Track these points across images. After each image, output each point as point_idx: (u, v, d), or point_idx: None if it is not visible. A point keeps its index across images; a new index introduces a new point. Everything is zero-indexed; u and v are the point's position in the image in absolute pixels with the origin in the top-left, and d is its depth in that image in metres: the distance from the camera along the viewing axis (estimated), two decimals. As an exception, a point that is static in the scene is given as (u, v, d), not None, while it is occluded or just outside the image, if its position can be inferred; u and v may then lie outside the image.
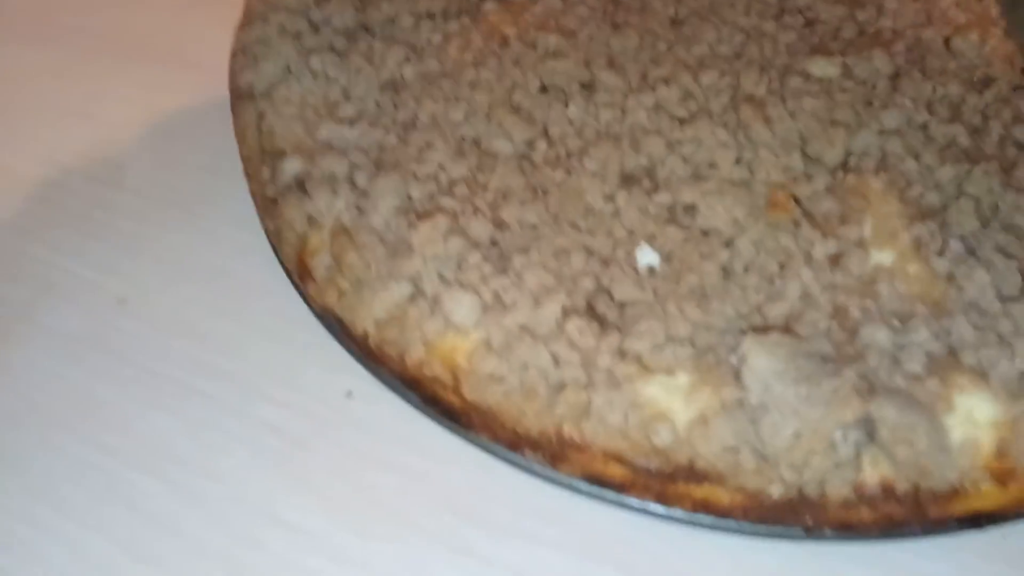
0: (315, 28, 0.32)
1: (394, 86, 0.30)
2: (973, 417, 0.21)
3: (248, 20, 0.32)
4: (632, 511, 0.23)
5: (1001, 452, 0.20)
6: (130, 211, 0.33)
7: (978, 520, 0.21)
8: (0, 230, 0.33)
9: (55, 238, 0.32)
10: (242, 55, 0.31)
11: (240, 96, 0.30)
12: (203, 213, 0.33)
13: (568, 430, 0.22)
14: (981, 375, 0.21)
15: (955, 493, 0.20)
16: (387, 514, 0.25)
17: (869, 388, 0.21)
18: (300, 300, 0.28)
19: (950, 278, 0.24)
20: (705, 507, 0.22)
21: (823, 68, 0.29)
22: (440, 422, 0.25)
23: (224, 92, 0.33)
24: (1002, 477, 0.20)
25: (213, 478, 0.26)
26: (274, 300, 0.29)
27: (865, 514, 0.21)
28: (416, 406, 0.25)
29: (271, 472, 0.26)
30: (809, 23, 0.31)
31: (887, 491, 0.20)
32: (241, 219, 0.31)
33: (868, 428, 0.20)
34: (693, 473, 0.21)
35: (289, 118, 0.29)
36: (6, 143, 0.36)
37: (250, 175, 0.29)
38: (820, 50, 0.30)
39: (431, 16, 0.32)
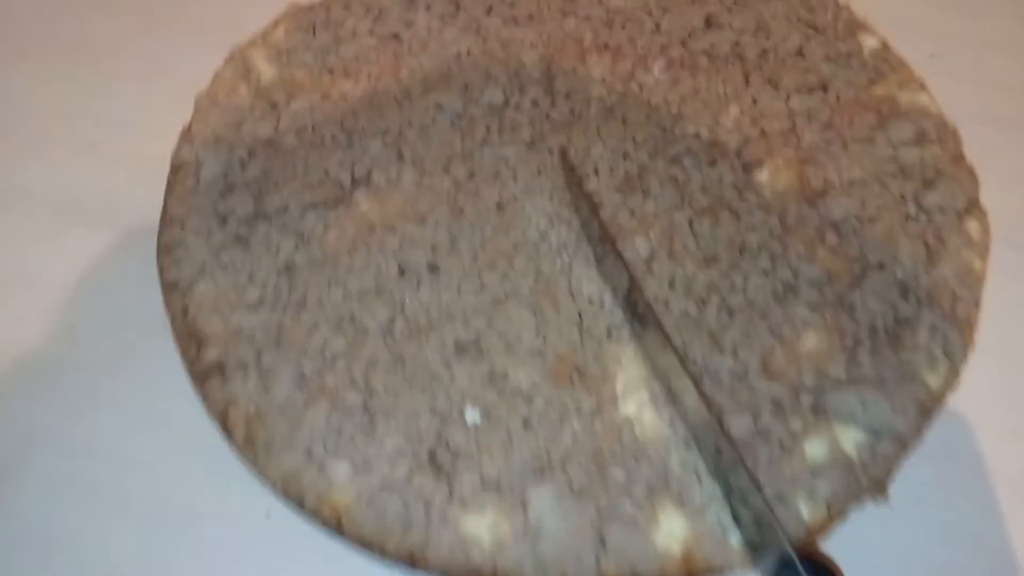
0: (222, 220, 0.41)
1: (288, 271, 0.40)
2: (672, 532, 0.33)
3: (168, 221, 0.41)
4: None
5: (687, 555, 0.32)
6: (85, 366, 0.42)
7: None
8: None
9: (27, 396, 0.42)
10: (166, 255, 0.40)
11: (167, 289, 0.39)
12: (147, 365, 0.42)
13: (415, 553, 0.33)
14: (680, 500, 0.33)
15: (660, 577, 0.32)
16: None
17: (605, 516, 0.33)
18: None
19: (671, 423, 0.35)
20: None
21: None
22: (333, 537, 0.35)
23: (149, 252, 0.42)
24: (689, 570, 0.32)
25: (173, 588, 0.36)
26: (207, 439, 0.39)
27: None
28: (314, 524, 0.36)
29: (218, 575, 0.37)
30: (594, 208, 0.41)
31: (616, 582, 0.32)
32: (175, 370, 0.41)
33: (602, 544, 0.32)
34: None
35: (208, 311, 0.38)
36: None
37: (181, 349, 0.39)
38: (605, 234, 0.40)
39: (314, 205, 0.42)
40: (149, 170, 0.46)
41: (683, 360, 0.35)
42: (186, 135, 0.44)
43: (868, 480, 0.34)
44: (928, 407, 0.35)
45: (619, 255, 0.38)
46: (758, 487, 0.32)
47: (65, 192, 0.49)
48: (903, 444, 0.34)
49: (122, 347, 0.43)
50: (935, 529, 0.37)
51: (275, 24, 0.49)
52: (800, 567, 0.30)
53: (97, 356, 0.43)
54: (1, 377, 0.42)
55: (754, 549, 0.32)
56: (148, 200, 0.44)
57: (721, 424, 0.34)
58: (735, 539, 0.33)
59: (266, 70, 0.47)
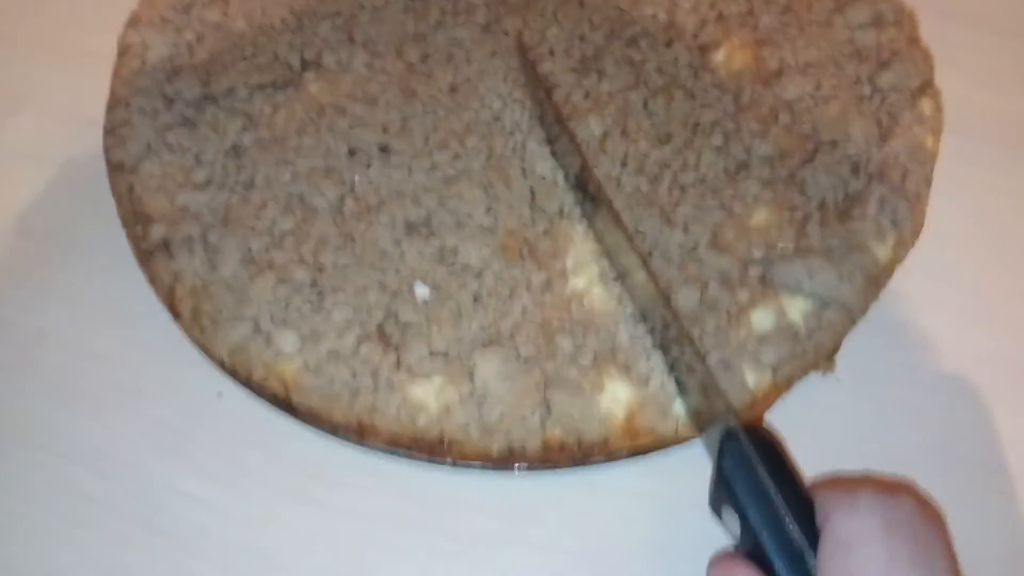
0: (169, 102, 0.41)
1: (236, 151, 0.39)
2: (616, 396, 0.33)
3: (114, 102, 0.40)
4: (413, 460, 0.34)
5: (629, 418, 0.33)
6: (38, 257, 0.42)
7: (621, 455, 0.33)
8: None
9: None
10: (110, 135, 0.39)
11: (113, 169, 0.39)
12: (96, 256, 0.41)
13: (363, 421, 0.33)
14: (626, 369, 0.33)
15: (603, 442, 0.33)
16: (253, 479, 0.36)
17: (550, 380, 0.33)
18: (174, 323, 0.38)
19: (620, 299, 0.35)
20: (457, 458, 0.33)
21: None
22: (282, 412, 0.35)
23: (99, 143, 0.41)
24: (632, 432, 0.33)
25: (126, 463, 0.36)
26: (156, 322, 0.39)
27: (555, 456, 0.33)
28: (266, 401, 0.36)
29: (167, 455, 0.37)
30: (548, 90, 0.41)
31: (561, 445, 0.33)
32: (123, 257, 0.40)
33: (547, 407, 0.32)
34: (442, 443, 0.33)
35: (153, 190, 0.38)
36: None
37: (127, 231, 0.38)
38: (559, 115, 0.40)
39: (262, 87, 0.41)
40: (96, 62, 0.45)
41: (632, 238, 0.35)
42: (133, 20, 0.43)
43: (814, 349, 0.34)
44: (875, 277, 0.35)
45: (572, 136, 0.38)
46: (702, 359, 0.32)
47: (10, 84, 0.47)
48: (849, 313, 0.35)
49: (72, 237, 0.42)
50: (877, 403, 0.38)
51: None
52: (742, 436, 0.30)
53: (47, 247, 0.42)
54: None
55: (699, 420, 0.33)
56: (95, 92, 0.43)
57: (668, 298, 0.34)
58: (679, 408, 0.33)
59: (215, -46, 0.46)
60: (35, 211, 0.43)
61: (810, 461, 0.34)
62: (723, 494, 0.30)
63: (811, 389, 0.37)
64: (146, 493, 0.36)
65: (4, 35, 0.50)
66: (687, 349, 0.32)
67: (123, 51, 0.42)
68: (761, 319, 0.35)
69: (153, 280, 0.37)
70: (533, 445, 0.33)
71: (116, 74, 0.41)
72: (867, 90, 0.40)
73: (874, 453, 0.36)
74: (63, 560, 0.35)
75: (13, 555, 0.35)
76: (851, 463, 0.35)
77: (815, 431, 0.36)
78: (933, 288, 0.40)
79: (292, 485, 0.36)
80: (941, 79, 0.42)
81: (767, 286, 0.35)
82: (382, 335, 0.34)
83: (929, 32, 0.43)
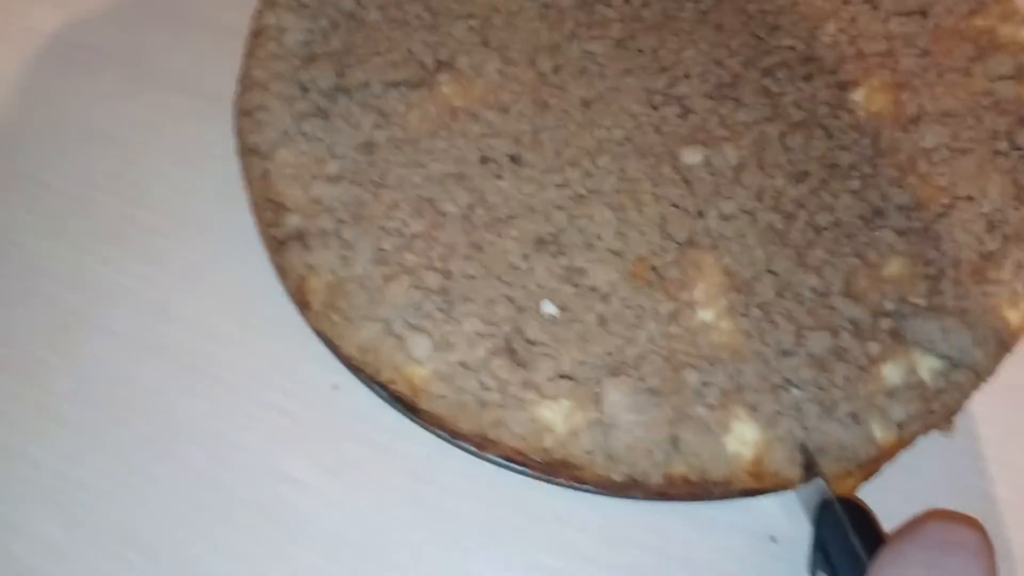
0: (304, 89, 0.41)
1: (368, 147, 0.39)
2: (744, 438, 0.33)
3: (249, 85, 0.40)
4: (530, 478, 0.35)
5: (756, 461, 0.33)
6: (156, 229, 0.42)
7: (742, 494, 0.33)
8: (54, 243, 0.42)
9: (101, 252, 0.42)
10: (246, 118, 0.39)
11: (247, 152, 0.39)
12: (215, 233, 0.42)
13: (488, 434, 0.33)
14: (753, 409, 0.33)
15: (726, 482, 0.33)
16: (363, 472, 0.37)
17: (678, 416, 0.33)
18: (298, 313, 0.38)
19: (747, 334, 0.35)
20: (575, 481, 0.34)
21: (690, 156, 0.39)
22: (403, 413, 0.36)
23: (226, 120, 0.41)
24: (757, 475, 0.33)
25: (241, 448, 0.37)
26: (277, 310, 0.39)
27: (675, 489, 0.33)
28: (385, 400, 0.36)
29: (279, 441, 0.37)
30: (684, 113, 0.40)
31: (684, 480, 0.33)
32: (247, 240, 0.41)
33: (674, 443, 0.33)
34: (566, 464, 0.33)
35: (288, 178, 0.38)
36: (42, 161, 0.44)
37: (257, 215, 0.39)
38: (688, 140, 0.40)
39: (396, 84, 0.41)
40: (223, 38, 0.45)
41: None
42: (268, 1, 0.43)
43: (941, 408, 0.34)
44: (1007, 342, 0.35)
45: None
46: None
47: (138, 55, 0.48)
48: (978, 376, 0.35)
49: (194, 213, 0.43)
50: (987, 462, 0.38)
51: None
52: (837, 507, 0.32)
53: (170, 220, 0.43)
54: (75, 233, 0.42)
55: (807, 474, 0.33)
56: (220, 68, 0.44)
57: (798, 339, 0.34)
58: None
59: (351, -60, 0.45)
60: (152, 183, 0.44)
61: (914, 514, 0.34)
62: (819, 558, 0.31)
63: (924, 442, 0.36)
64: (257, 476, 0.37)
65: (127, 2, 0.50)
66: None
67: (258, 32, 0.42)
68: (891, 373, 0.34)
69: (283, 269, 0.37)
70: (655, 478, 0.33)
71: (251, 55, 0.41)
72: (1004, 146, 0.40)
73: (976, 512, 0.36)
74: (177, 535, 0.35)
75: (130, 523, 0.36)
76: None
77: (923, 484, 0.36)
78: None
79: (400, 483, 0.37)
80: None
81: (899, 341, 0.35)
82: (511, 351, 0.35)
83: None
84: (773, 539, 0.36)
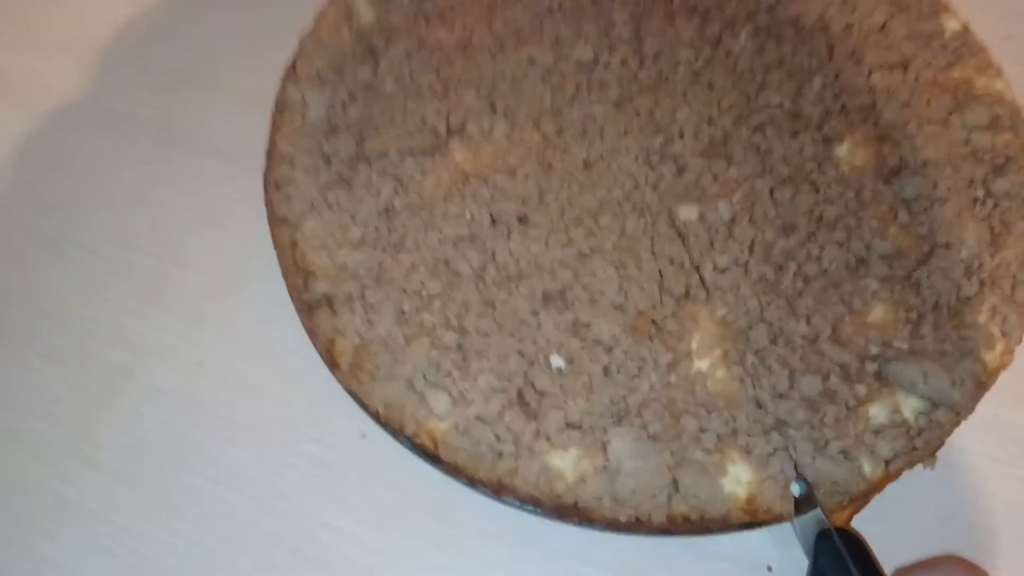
0: (327, 160, 0.44)
1: (388, 213, 0.43)
2: (738, 478, 0.36)
3: (278, 158, 0.44)
4: (543, 518, 0.38)
5: (750, 499, 0.36)
6: (192, 288, 0.46)
7: (737, 527, 0.36)
8: (95, 303, 0.45)
9: (140, 311, 0.45)
10: (276, 191, 0.43)
11: (276, 223, 0.42)
12: (249, 291, 0.45)
13: (503, 481, 0.36)
14: (747, 452, 0.36)
15: (724, 518, 0.36)
16: (390, 516, 0.40)
17: (678, 461, 0.36)
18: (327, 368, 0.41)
19: (742, 380, 0.38)
20: (585, 521, 0.37)
21: (685, 213, 0.42)
22: (426, 461, 0.39)
23: (255, 182, 0.44)
24: (751, 511, 0.36)
25: (279, 495, 0.40)
26: (307, 364, 0.42)
27: (677, 526, 0.36)
28: (408, 448, 0.39)
29: (315, 489, 0.41)
30: (679, 171, 0.43)
31: (685, 518, 0.36)
32: (279, 297, 0.43)
33: (675, 486, 0.36)
34: (576, 508, 0.36)
35: (315, 247, 0.41)
36: (78, 224, 0.48)
37: (288, 281, 0.42)
38: (684, 197, 0.43)
39: (412, 152, 0.44)
40: (247, 102, 0.48)
41: None
42: (291, 74, 0.46)
43: (924, 445, 0.37)
44: (983, 382, 0.38)
45: None
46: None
47: (166, 118, 0.51)
48: (958, 414, 0.37)
49: (227, 272, 0.46)
50: (973, 494, 0.40)
51: (374, -33, 0.51)
52: (835, 537, 0.35)
53: (204, 279, 0.46)
54: (115, 293, 0.45)
55: (799, 508, 0.36)
56: (247, 131, 0.47)
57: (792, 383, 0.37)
58: (795, 490, 0.36)
59: (366, 13, 0.49)
60: (186, 243, 0.47)
61: (903, 548, 0.37)
62: None
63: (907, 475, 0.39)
64: (297, 523, 0.40)
65: (157, 64, 0.54)
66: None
67: (284, 106, 0.45)
68: (877, 413, 0.37)
69: (313, 331, 0.40)
70: (658, 518, 0.36)
71: (278, 129, 0.45)
72: (981, 193, 0.42)
73: (959, 541, 0.39)
74: (222, 580, 0.39)
75: (179, 567, 0.39)
76: (942, 551, 0.38)
77: (909, 515, 0.39)
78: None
79: (425, 526, 0.40)
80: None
81: (883, 383, 0.38)
82: (522, 402, 0.38)
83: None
84: (769, 568, 0.38)
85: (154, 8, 0.56)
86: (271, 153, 0.44)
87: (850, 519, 0.37)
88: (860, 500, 0.37)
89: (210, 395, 0.43)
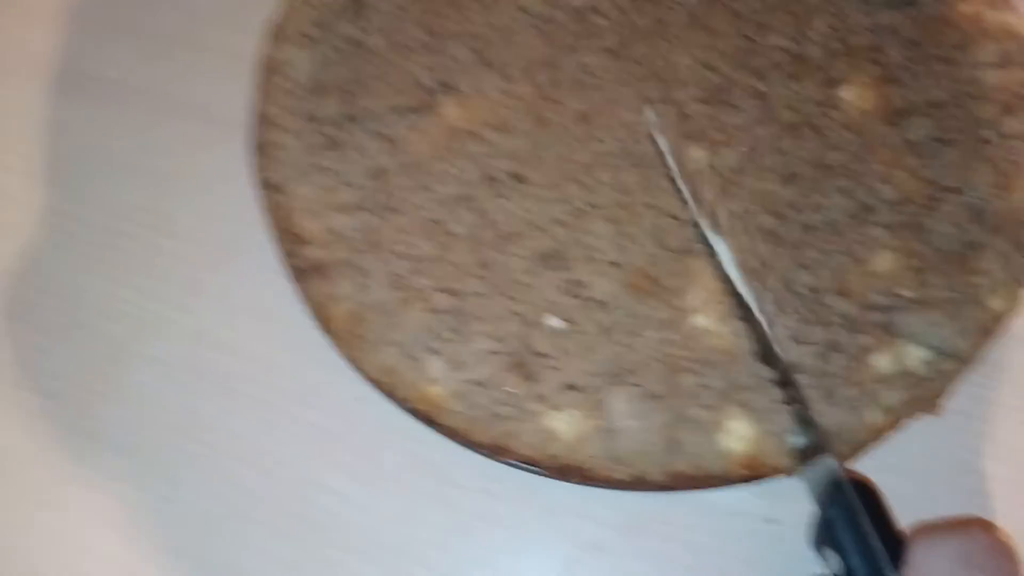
0: (314, 121, 0.43)
1: (378, 174, 0.42)
2: (739, 434, 0.36)
3: (263, 122, 0.43)
4: (543, 477, 0.38)
5: (749, 454, 0.35)
6: (186, 257, 0.45)
7: (738, 481, 0.36)
8: (91, 277, 0.45)
9: (135, 283, 0.45)
10: (263, 156, 0.42)
11: (264, 187, 0.41)
12: (242, 258, 0.44)
13: (500, 443, 0.36)
14: (745, 406, 0.36)
15: (723, 474, 0.35)
16: (391, 479, 0.40)
17: (677, 419, 0.35)
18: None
19: (740, 336, 0.38)
20: (585, 480, 0.37)
21: (696, 153, 0.41)
22: (424, 423, 0.39)
23: (241, 145, 0.44)
24: (751, 465, 0.35)
25: (279, 461, 0.40)
26: (303, 331, 0.42)
27: (677, 483, 0.36)
28: (407, 411, 0.39)
29: (314, 454, 0.41)
30: (680, 119, 0.42)
31: (684, 475, 0.35)
32: (272, 263, 0.43)
33: (674, 444, 0.35)
34: (576, 468, 0.36)
35: (305, 211, 0.41)
36: (68, 195, 0.47)
37: (279, 247, 0.41)
38: (691, 136, 0.41)
39: (402, 110, 0.43)
40: (235, 63, 0.47)
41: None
42: (276, 33, 0.45)
43: (929, 394, 0.36)
44: (989, 329, 0.37)
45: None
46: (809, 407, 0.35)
47: (153, 83, 0.50)
48: (963, 363, 0.37)
49: (220, 240, 0.45)
50: (981, 441, 0.40)
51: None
52: (847, 488, 0.33)
53: (197, 248, 0.45)
54: (109, 265, 0.45)
55: (803, 456, 0.35)
56: (234, 93, 0.46)
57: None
58: (794, 442, 0.36)
59: (350, -33, 0.47)
60: (179, 212, 0.46)
61: (912, 496, 0.36)
62: (825, 536, 0.33)
63: (916, 423, 0.39)
64: (298, 488, 0.40)
65: (142, 28, 0.52)
66: (798, 396, 0.35)
67: (268, 67, 0.44)
68: (882, 363, 0.37)
69: (306, 295, 0.40)
70: (657, 476, 0.35)
71: (263, 91, 0.44)
72: (990, 134, 0.41)
73: (974, 490, 0.38)
74: (225, 549, 0.39)
75: (184, 537, 0.39)
76: (951, 498, 0.38)
77: (919, 464, 0.39)
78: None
79: (425, 487, 0.40)
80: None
81: (888, 333, 0.37)
82: (519, 365, 0.37)
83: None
84: (774, 520, 0.38)
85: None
86: (256, 116, 0.43)
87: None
88: (860, 447, 0.37)
89: (208, 365, 0.42)
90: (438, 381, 0.37)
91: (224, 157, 0.46)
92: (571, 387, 0.37)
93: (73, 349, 0.43)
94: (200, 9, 0.52)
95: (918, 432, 0.38)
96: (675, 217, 0.40)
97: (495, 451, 0.37)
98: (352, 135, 0.43)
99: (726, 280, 0.38)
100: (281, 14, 0.46)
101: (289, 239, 0.40)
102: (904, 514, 0.35)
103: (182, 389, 0.42)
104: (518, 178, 0.41)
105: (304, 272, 0.40)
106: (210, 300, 0.44)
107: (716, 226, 0.39)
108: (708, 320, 0.38)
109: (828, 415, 0.36)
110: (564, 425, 0.36)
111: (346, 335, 0.38)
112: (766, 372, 0.37)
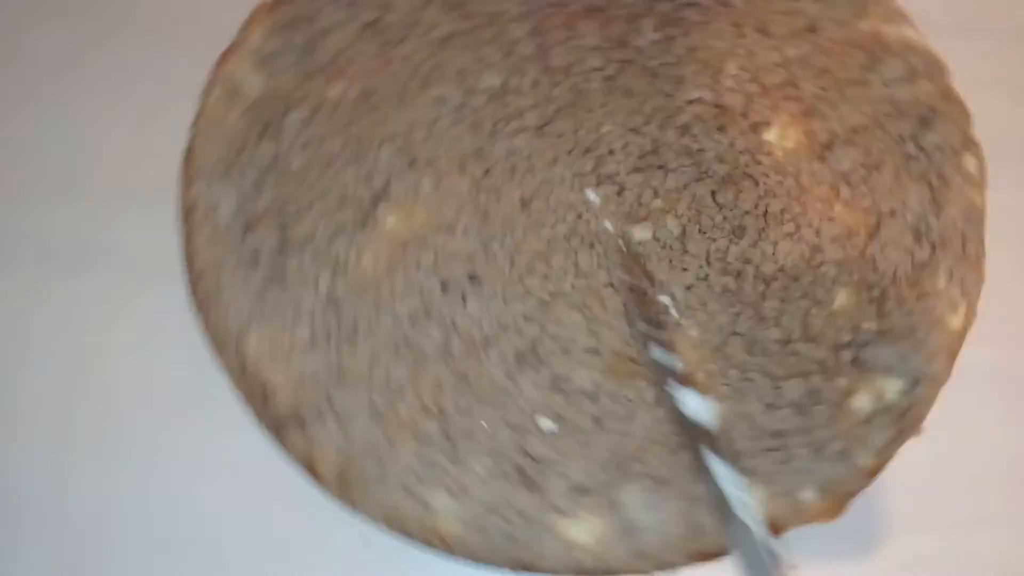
0: (253, 261, 0.41)
1: (332, 302, 0.40)
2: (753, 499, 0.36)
3: (199, 275, 0.40)
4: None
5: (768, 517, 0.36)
6: (159, 426, 0.43)
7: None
8: (45, 473, 0.42)
9: (104, 472, 0.42)
10: (207, 311, 0.40)
11: (217, 347, 0.39)
12: (215, 421, 0.42)
13: (527, 562, 0.36)
14: (752, 473, 0.36)
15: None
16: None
17: (692, 501, 0.36)
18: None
19: (729, 399, 0.38)
20: (610, 578, 0.37)
21: (639, 234, 0.41)
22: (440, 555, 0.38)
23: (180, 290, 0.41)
24: (772, 527, 0.36)
25: None
26: (290, 481, 0.40)
27: (702, 559, 0.36)
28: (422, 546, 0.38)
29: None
30: (619, 191, 0.42)
31: (707, 552, 0.36)
32: (241, 419, 0.41)
33: (695, 527, 0.36)
34: (599, 570, 0.36)
35: (266, 361, 0.39)
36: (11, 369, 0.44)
37: (247, 401, 0.39)
38: (632, 217, 0.42)
39: (341, 230, 0.42)
40: (149, 199, 0.44)
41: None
42: (189, 172, 0.43)
43: (912, 422, 0.38)
44: (955, 348, 0.39)
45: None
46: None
47: (68, 238, 0.47)
48: (938, 384, 0.38)
49: (187, 401, 0.43)
50: (957, 443, 0.42)
51: (249, 26, 0.47)
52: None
53: (155, 414, 0.43)
54: (58, 456, 0.42)
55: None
56: (156, 237, 0.43)
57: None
58: (805, 498, 0.37)
59: (251, 83, 0.45)
60: (139, 378, 0.44)
61: (911, 514, 0.38)
62: None
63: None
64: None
65: (34, 177, 0.49)
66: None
67: (189, 211, 0.42)
68: (863, 404, 0.38)
69: (287, 448, 0.38)
70: (680, 560, 0.36)
71: (189, 239, 0.41)
72: (912, 149, 0.43)
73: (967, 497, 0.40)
74: None
75: None
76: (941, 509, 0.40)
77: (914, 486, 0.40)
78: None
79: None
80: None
81: (860, 369, 0.38)
82: (522, 476, 0.37)
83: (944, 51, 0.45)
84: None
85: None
86: (190, 266, 0.41)
87: (839, 513, 0.38)
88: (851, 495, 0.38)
89: (192, 538, 0.41)
90: (445, 513, 0.36)
91: (161, 314, 0.44)
92: (580, 489, 0.36)
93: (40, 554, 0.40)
94: (88, 145, 0.49)
95: (906, 454, 0.40)
96: (639, 292, 0.40)
97: (522, 568, 0.36)
98: (294, 266, 0.41)
99: (702, 347, 0.39)
100: (189, 146, 0.44)
101: (256, 393, 0.39)
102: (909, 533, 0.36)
103: (168, 571, 0.40)
104: (474, 280, 0.41)
105: (280, 425, 0.38)
106: (182, 468, 0.42)
107: (675, 303, 0.39)
108: (694, 391, 0.38)
109: (820, 469, 0.37)
110: (583, 533, 0.36)
111: (339, 482, 0.37)
112: (760, 435, 0.37)
